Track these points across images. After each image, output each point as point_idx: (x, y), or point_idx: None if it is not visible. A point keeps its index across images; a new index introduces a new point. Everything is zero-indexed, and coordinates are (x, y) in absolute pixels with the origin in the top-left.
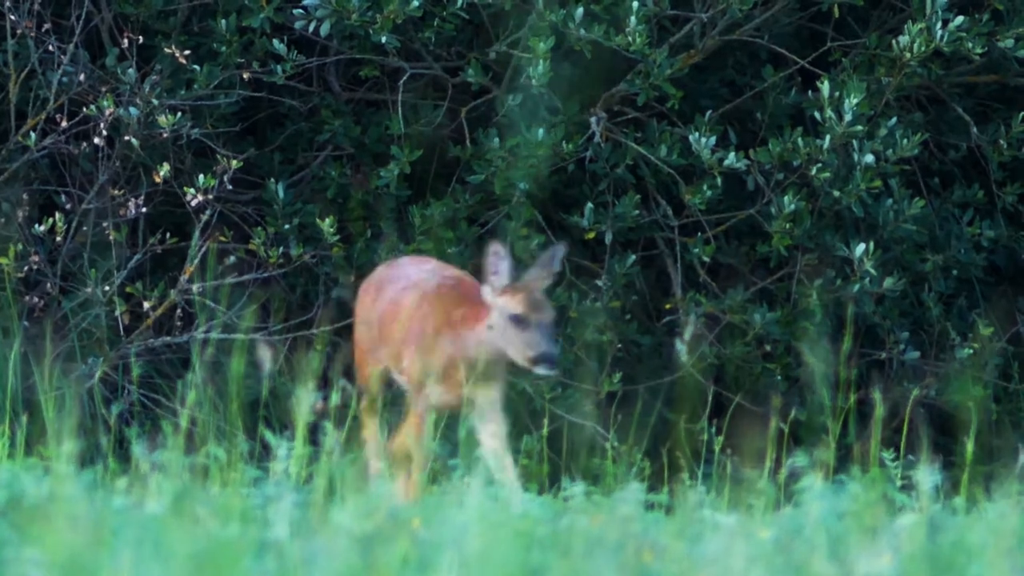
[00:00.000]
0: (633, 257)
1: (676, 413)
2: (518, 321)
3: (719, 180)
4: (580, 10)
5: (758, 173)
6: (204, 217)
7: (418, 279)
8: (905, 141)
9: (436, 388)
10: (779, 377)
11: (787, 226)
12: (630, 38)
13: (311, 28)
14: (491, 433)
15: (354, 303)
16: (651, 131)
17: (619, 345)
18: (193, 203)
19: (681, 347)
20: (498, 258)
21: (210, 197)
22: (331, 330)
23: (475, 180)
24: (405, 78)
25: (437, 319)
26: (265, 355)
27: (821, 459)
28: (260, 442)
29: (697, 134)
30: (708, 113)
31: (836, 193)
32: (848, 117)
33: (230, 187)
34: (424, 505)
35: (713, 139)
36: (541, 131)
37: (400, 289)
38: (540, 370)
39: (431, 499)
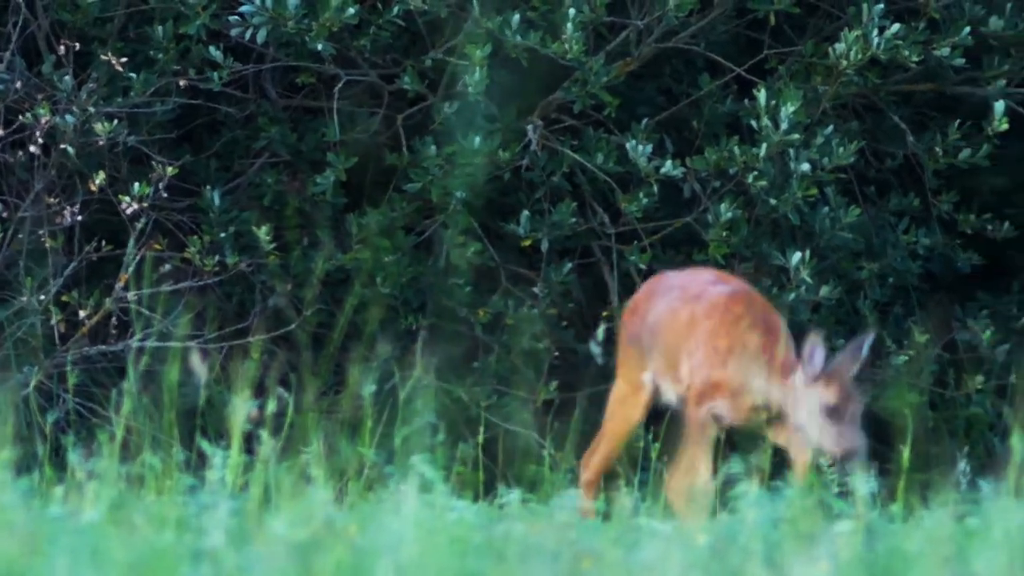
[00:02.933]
0: (570, 265)
1: None
2: (831, 412)
3: (655, 188)
4: (517, 17)
5: (695, 181)
6: (139, 225)
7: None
8: (841, 149)
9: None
10: None
11: (723, 234)
12: (567, 45)
13: (248, 35)
14: None
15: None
16: (588, 139)
17: (556, 353)
18: (128, 211)
19: (596, 350)
20: (815, 348)
21: (145, 205)
22: (267, 338)
23: (412, 188)
24: (341, 85)
25: (731, 337)
26: (198, 364)
27: (757, 465)
28: (196, 451)
29: (634, 142)
30: (645, 121)
31: (772, 201)
32: (784, 125)
33: (165, 195)
34: (359, 512)
35: (650, 147)
36: (478, 139)
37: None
38: (846, 463)
39: (366, 506)
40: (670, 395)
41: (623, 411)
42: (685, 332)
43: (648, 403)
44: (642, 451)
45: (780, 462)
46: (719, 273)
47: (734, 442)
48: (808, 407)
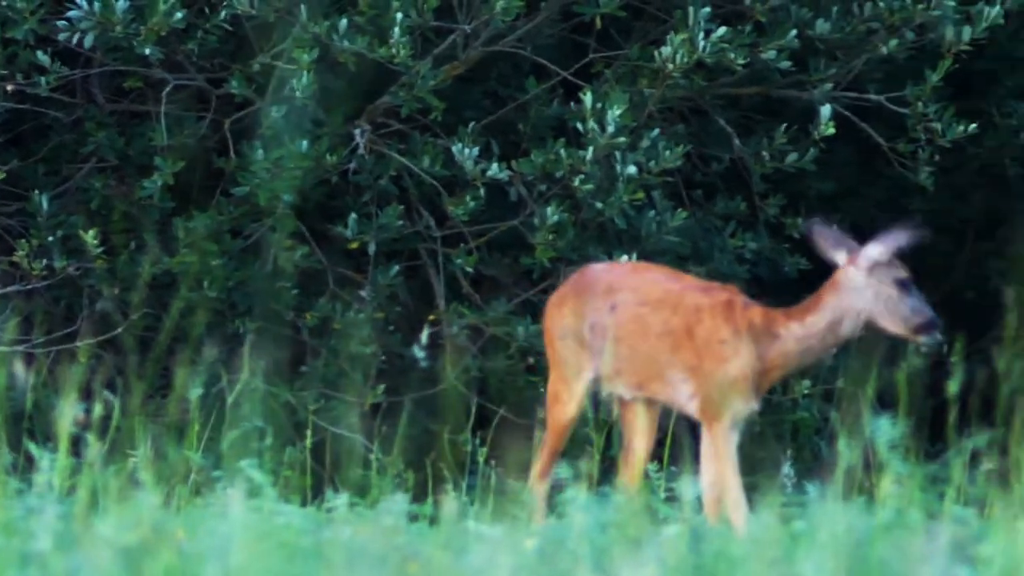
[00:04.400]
0: (397, 268)
1: (440, 425)
2: (904, 285)
3: (482, 191)
4: (344, 21)
5: (521, 184)
6: None
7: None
8: (668, 153)
9: (739, 402)
10: (542, 389)
11: (550, 237)
12: (394, 50)
13: (75, 40)
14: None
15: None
16: (415, 142)
17: (383, 356)
18: None
19: (420, 353)
20: (832, 232)
21: None
22: (94, 342)
23: (239, 192)
24: (169, 89)
25: (735, 324)
26: (19, 369)
27: (585, 470)
28: (23, 454)
29: (460, 145)
30: (471, 124)
31: (599, 205)
32: (611, 128)
33: None
34: (187, 516)
35: (476, 150)
36: (305, 143)
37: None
38: (925, 338)
39: (194, 510)
40: (623, 394)
41: (559, 408)
42: (673, 343)
43: (583, 399)
44: (469, 456)
45: (609, 467)
46: (662, 269)
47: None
48: (878, 286)
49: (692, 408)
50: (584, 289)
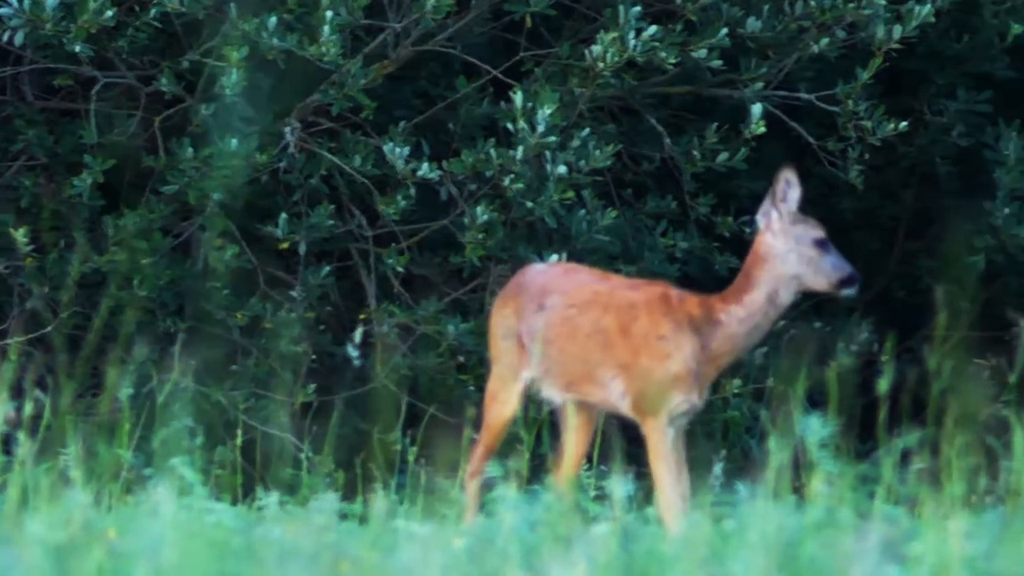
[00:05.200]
0: (327, 268)
1: (370, 424)
2: (822, 245)
3: (413, 191)
4: (274, 19)
5: (451, 184)
6: None
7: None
8: (598, 152)
9: (679, 398)
10: (472, 388)
11: (480, 237)
12: (324, 48)
13: (5, 37)
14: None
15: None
16: (345, 141)
17: (313, 356)
18: None
19: (353, 353)
20: (789, 185)
21: None
22: (24, 341)
23: (169, 190)
24: (99, 87)
25: (675, 318)
26: None
27: (515, 469)
28: None
29: (391, 144)
30: (402, 123)
31: (529, 204)
32: (541, 128)
33: None
34: (118, 515)
35: (407, 150)
36: (235, 141)
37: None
38: (847, 291)
39: (125, 509)
40: (554, 398)
41: (496, 407)
42: (603, 342)
43: (521, 399)
44: (399, 455)
45: (538, 465)
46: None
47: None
48: (794, 245)
49: (625, 406)
50: (521, 290)
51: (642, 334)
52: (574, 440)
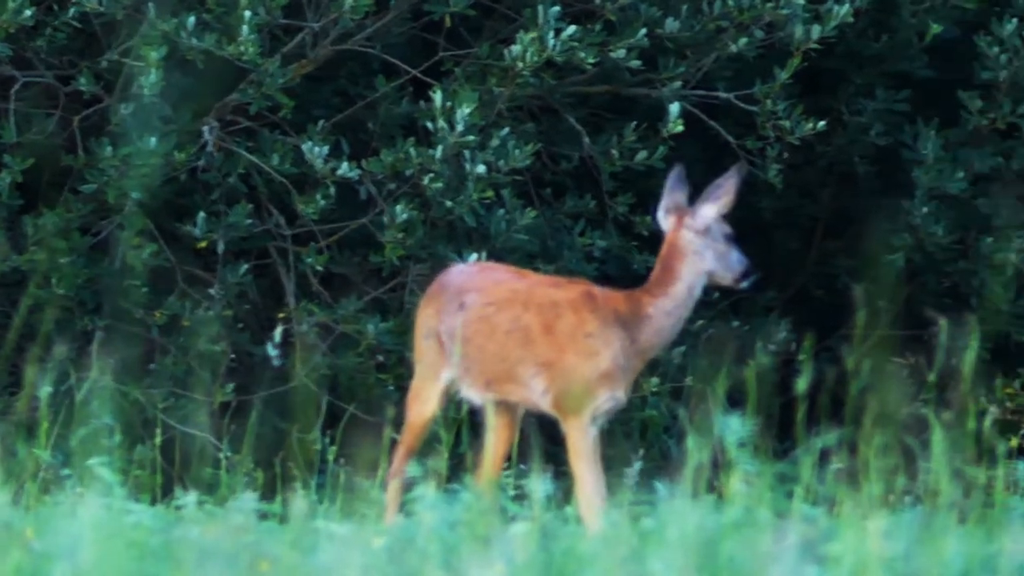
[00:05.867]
0: (246, 266)
1: (290, 423)
2: (730, 239)
3: (332, 190)
4: (192, 19)
5: (370, 183)
6: None
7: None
8: (517, 151)
9: (605, 395)
10: (392, 387)
11: (399, 236)
12: (242, 47)
13: None
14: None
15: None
16: (264, 140)
17: (232, 355)
18: None
19: (273, 352)
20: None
21: None
22: None
23: (88, 189)
24: (18, 87)
25: (602, 315)
26: None
27: (434, 468)
28: None
29: (310, 143)
30: (321, 123)
31: (448, 203)
32: (460, 127)
33: None
34: (36, 515)
35: (326, 149)
36: (153, 140)
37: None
38: (746, 283)
39: (44, 509)
40: (474, 398)
41: (417, 407)
42: (523, 339)
43: (442, 399)
44: (319, 454)
45: (457, 465)
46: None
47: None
48: (714, 244)
49: (546, 404)
50: (443, 290)
51: (568, 332)
52: (495, 440)
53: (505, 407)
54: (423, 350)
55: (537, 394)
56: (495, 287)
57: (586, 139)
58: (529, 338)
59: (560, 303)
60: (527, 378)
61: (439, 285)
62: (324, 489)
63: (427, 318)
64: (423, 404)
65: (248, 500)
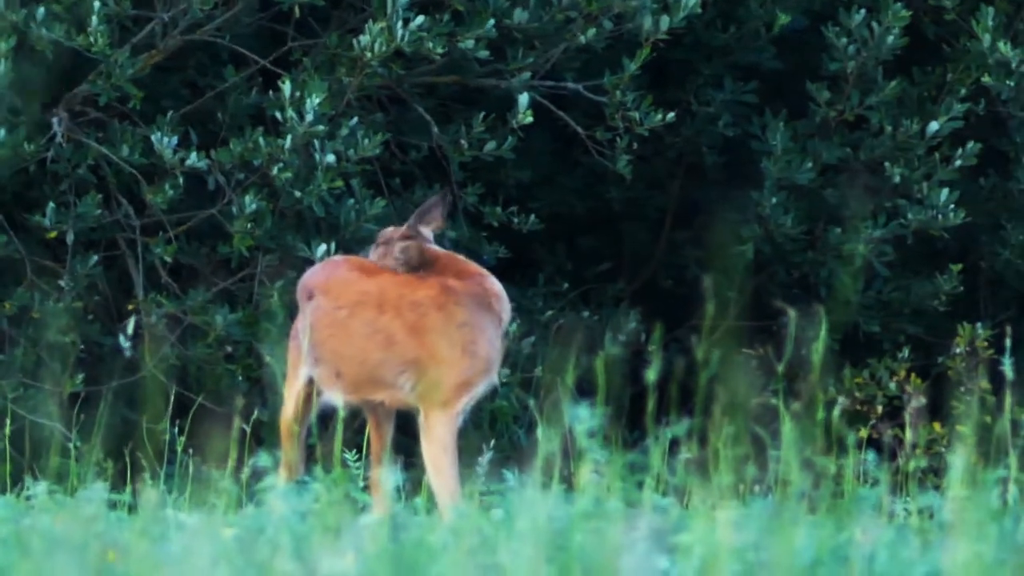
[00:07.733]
0: (95, 257)
1: (139, 414)
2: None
3: (181, 180)
4: (42, 10)
5: (219, 173)
6: None
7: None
8: (367, 141)
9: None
10: (241, 378)
11: (248, 226)
12: (92, 38)
13: None
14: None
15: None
16: (113, 131)
17: (82, 346)
18: None
19: (126, 343)
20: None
21: None
22: None
23: None
24: None
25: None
26: None
27: (284, 459)
28: None
29: (159, 134)
30: (170, 113)
31: (297, 193)
32: (309, 117)
33: None
34: None
35: (175, 139)
36: (2, 131)
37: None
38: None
39: None
40: (338, 402)
41: (283, 407)
42: (385, 341)
43: (301, 398)
44: (168, 444)
45: (307, 456)
46: (345, 263)
47: (261, 437)
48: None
49: (414, 399)
50: (301, 289)
51: (439, 328)
52: (377, 436)
53: (374, 406)
54: (289, 350)
55: (406, 392)
56: (342, 288)
57: (435, 129)
58: (391, 340)
59: (422, 303)
60: (392, 378)
61: (300, 284)
62: (173, 479)
63: (296, 319)
64: (285, 404)
65: (98, 490)
